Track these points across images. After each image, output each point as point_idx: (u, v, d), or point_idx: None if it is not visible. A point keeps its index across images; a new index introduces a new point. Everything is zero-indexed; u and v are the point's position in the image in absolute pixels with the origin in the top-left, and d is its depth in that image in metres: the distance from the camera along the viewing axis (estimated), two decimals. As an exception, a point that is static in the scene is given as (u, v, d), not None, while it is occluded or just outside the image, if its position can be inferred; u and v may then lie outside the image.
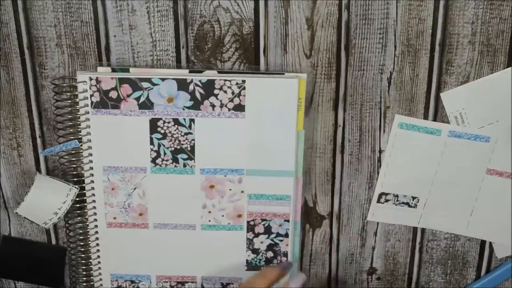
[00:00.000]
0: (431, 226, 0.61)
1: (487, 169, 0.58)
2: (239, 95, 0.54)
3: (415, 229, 0.62)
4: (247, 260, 0.60)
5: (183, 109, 0.55)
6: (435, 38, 0.55)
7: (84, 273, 0.60)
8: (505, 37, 0.55)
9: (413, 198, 0.60)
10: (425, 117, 0.58)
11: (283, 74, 0.55)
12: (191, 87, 0.54)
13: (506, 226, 0.60)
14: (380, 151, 0.59)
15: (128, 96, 0.55)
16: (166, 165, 0.57)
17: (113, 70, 0.55)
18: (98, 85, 0.54)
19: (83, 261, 0.60)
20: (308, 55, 0.56)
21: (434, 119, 0.58)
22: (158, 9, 0.55)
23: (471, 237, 0.62)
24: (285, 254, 0.59)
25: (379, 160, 0.59)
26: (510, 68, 0.56)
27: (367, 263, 0.64)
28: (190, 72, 0.55)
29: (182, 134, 0.56)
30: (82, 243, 0.59)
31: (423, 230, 0.62)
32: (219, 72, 0.55)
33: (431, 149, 0.58)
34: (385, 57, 0.56)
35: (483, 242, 0.62)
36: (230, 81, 0.54)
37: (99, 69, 0.56)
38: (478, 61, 0.56)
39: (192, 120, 0.55)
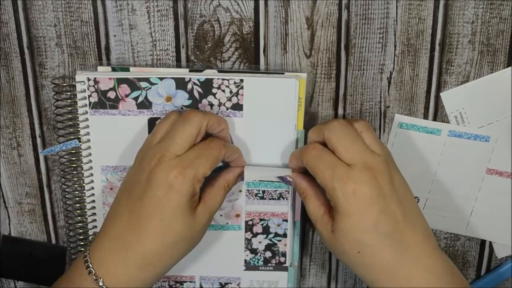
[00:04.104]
0: (431, 226, 0.61)
1: (487, 169, 0.58)
2: (237, 94, 0.54)
3: (415, 229, 0.62)
4: (245, 260, 0.60)
5: (182, 108, 0.55)
6: (435, 38, 0.55)
7: (84, 272, 0.60)
8: (505, 37, 0.55)
9: (413, 198, 0.60)
10: (425, 116, 0.58)
11: (283, 73, 0.55)
12: (189, 86, 0.54)
13: (506, 226, 0.60)
14: (380, 151, 0.59)
15: (126, 96, 0.55)
16: (165, 164, 0.56)
17: (113, 70, 0.55)
18: (96, 86, 0.54)
19: (83, 261, 0.60)
20: (308, 54, 0.56)
21: (434, 119, 0.58)
22: (158, 9, 0.55)
23: (471, 237, 0.62)
24: (284, 254, 0.59)
25: (379, 160, 0.59)
26: (510, 68, 0.56)
27: (367, 263, 0.63)
28: (190, 71, 0.56)
29: (181, 133, 0.56)
30: (82, 243, 0.59)
31: (423, 230, 0.61)
32: (219, 72, 0.55)
33: (431, 149, 0.58)
34: (385, 57, 0.56)
35: (483, 242, 0.62)
36: (228, 80, 0.54)
37: (99, 68, 0.56)
38: (478, 61, 0.56)
39: None
